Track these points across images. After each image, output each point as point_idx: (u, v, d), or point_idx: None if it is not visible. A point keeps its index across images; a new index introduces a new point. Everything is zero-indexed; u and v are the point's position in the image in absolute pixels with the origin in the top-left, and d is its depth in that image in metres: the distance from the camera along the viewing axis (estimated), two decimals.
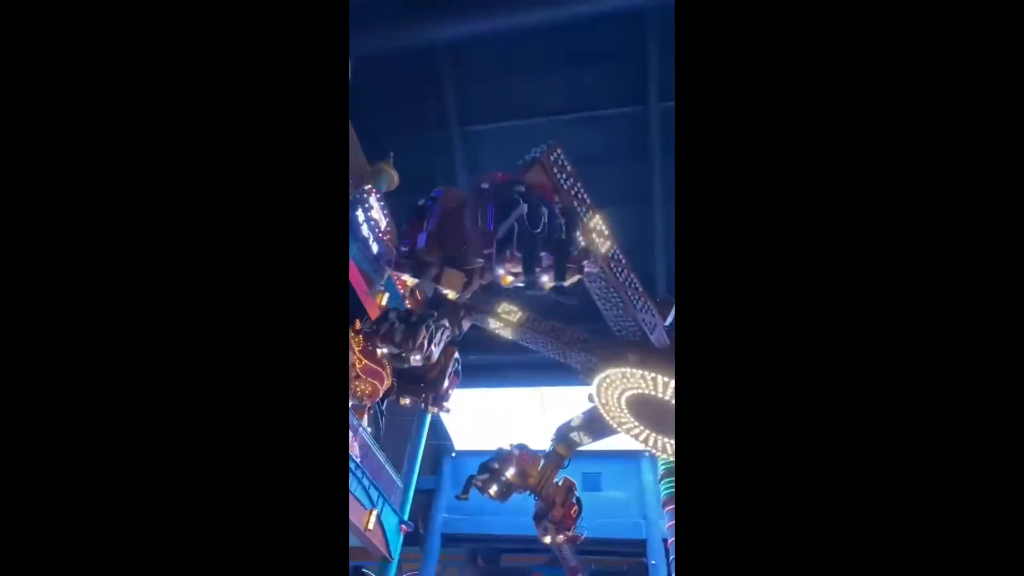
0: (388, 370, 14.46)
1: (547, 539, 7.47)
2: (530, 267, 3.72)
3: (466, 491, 7.24)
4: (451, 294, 4.47)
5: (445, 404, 6.46)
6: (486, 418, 21.07)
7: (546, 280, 3.84)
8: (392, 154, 14.55)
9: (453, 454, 23.42)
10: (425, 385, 6.32)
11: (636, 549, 19.66)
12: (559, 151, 4.61)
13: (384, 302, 13.22)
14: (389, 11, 12.84)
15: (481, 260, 3.93)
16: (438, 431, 22.15)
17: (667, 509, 10.06)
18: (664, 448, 6.69)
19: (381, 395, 13.14)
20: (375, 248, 13.68)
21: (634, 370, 5.71)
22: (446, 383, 6.36)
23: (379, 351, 5.43)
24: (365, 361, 13.73)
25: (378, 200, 13.79)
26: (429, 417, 17.27)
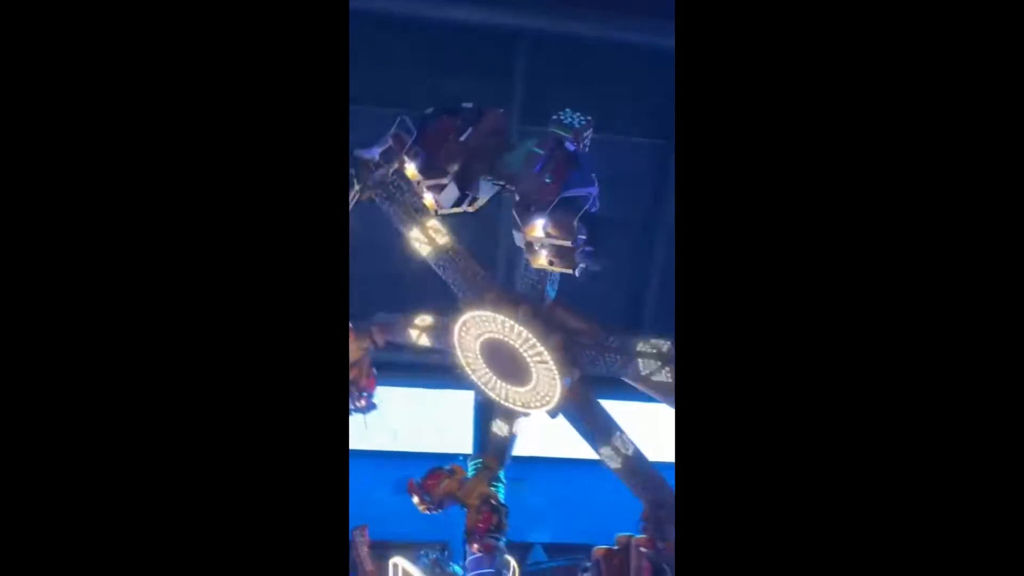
0: None
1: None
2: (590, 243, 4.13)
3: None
4: (429, 202, 4.68)
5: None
6: None
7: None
8: None
9: None
10: None
11: None
12: (591, 130, 4.84)
13: None
14: None
15: (533, 208, 4.28)
16: None
17: None
18: (507, 397, 6.88)
19: None
20: None
21: (492, 313, 6.09)
22: None
23: None
24: None
25: None
26: None
